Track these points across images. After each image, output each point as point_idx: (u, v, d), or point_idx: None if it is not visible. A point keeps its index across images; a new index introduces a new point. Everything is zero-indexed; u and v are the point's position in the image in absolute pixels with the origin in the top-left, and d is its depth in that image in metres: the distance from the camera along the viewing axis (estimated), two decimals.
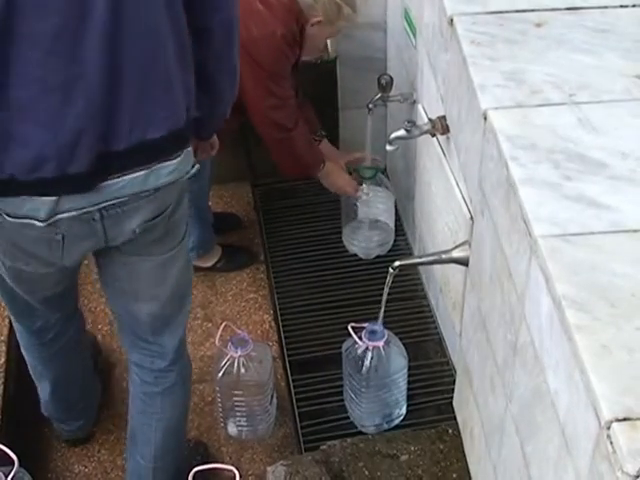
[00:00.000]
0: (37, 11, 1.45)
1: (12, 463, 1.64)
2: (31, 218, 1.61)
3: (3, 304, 2.61)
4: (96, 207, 1.65)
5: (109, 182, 1.63)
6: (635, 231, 1.33)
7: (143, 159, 1.65)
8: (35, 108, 1.53)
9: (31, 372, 2.33)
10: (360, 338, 2.22)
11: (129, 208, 1.69)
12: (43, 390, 2.35)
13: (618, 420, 1.07)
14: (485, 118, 1.60)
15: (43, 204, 1.60)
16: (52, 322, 2.15)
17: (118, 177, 1.63)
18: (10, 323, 2.59)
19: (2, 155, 1.55)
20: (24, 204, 1.60)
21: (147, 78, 1.59)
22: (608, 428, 1.07)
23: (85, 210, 1.64)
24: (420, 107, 2.41)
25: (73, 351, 2.30)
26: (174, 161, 1.69)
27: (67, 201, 1.62)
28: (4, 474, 1.65)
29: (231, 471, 1.82)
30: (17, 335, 2.24)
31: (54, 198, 1.60)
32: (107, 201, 1.65)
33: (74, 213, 1.64)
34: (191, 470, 1.76)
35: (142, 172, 1.65)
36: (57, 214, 1.62)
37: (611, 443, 1.06)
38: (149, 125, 1.62)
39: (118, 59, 1.53)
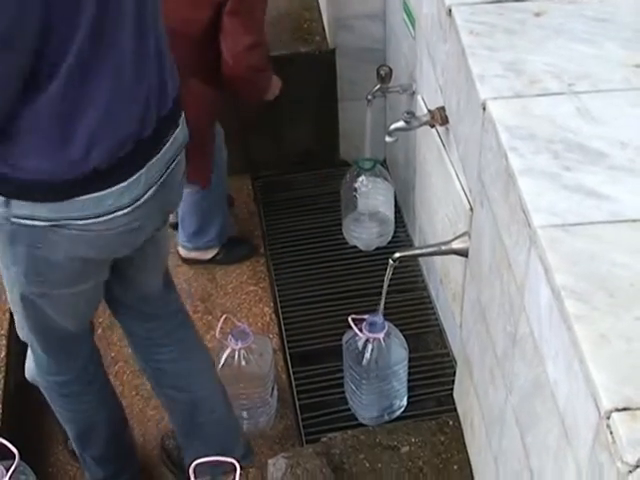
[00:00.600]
0: None
1: (13, 457, 1.63)
2: (114, 212, 1.64)
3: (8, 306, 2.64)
4: (164, 173, 1.72)
5: (167, 142, 1.71)
6: (634, 221, 1.32)
7: (178, 115, 1.76)
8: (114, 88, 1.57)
9: (79, 436, 2.19)
10: (360, 330, 2.22)
11: (177, 169, 1.78)
12: (97, 444, 2.21)
13: (618, 410, 1.06)
14: (484, 108, 1.59)
15: (128, 188, 1.64)
16: (88, 354, 2.09)
17: (171, 135, 1.72)
18: (10, 317, 2.59)
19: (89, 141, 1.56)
20: (105, 199, 1.62)
21: (166, 47, 1.71)
22: (608, 418, 1.06)
23: (158, 182, 1.71)
24: (419, 98, 2.40)
25: (108, 381, 2.26)
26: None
27: (145, 179, 1.66)
28: (5, 468, 1.64)
29: (232, 464, 1.81)
30: (59, 402, 2.11)
31: (134, 177, 1.64)
32: (170, 162, 1.73)
33: (150, 192, 1.69)
34: (191, 463, 1.75)
35: (179, 128, 1.76)
36: (138, 199, 1.66)
37: (611, 433, 1.06)
38: (174, 85, 1.73)
39: (159, 32, 1.65)
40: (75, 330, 1.96)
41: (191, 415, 2.20)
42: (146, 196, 1.68)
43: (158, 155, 1.69)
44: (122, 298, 2.05)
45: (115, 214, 1.64)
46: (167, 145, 1.71)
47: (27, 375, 2.14)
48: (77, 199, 1.58)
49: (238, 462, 1.95)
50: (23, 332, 1.97)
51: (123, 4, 1.53)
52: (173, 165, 1.76)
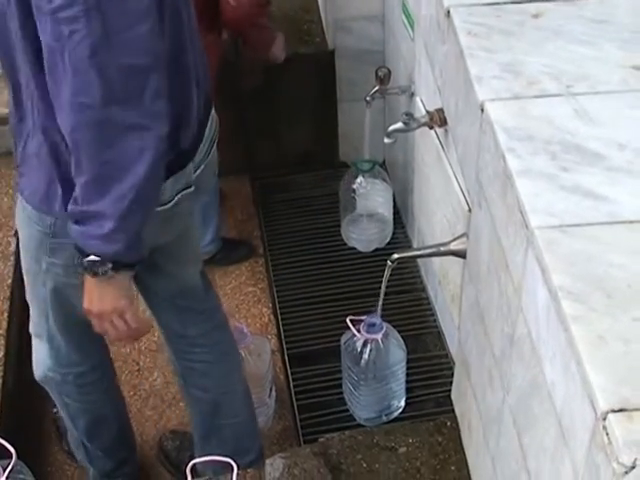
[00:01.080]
0: None
1: (10, 456, 1.63)
2: (184, 189, 1.70)
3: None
4: (208, 150, 1.78)
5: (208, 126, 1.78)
6: (632, 222, 1.32)
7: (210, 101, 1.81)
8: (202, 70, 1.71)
9: (88, 428, 2.19)
10: (359, 331, 2.22)
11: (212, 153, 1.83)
12: (106, 436, 2.24)
13: (614, 411, 1.06)
14: (482, 110, 1.59)
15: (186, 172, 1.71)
16: (104, 345, 2.12)
17: (210, 118, 1.79)
18: (9, 317, 2.60)
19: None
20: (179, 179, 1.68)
21: None
22: (604, 419, 1.07)
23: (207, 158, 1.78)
24: (418, 99, 2.41)
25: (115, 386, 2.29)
26: None
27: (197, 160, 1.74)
28: (2, 467, 1.65)
29: (229, 464, 1.82)
30: (73, 396, 2.11)
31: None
32: (211, 142, 1.80)
33: (202, 166, 1.76)
34: (188, 463, 1.75)
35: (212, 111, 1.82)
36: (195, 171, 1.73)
37: (607, 434, 1.06)
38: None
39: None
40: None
41: (212, 416, 2.20)
42: (194, 176, 1.73)
43: (205, 134, 1.76)
44: (155, 289, 2.04)
45: (185, 191, 1.70)
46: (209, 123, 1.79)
47: (37, 372, 2.11)
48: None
49: (248, 465, 1.97)
50: (40, 327, 1.96)
51: None
52: (214, 145, 1.82)
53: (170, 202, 1.67)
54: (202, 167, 1.76)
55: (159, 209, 1.61)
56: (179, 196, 1.68)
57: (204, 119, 1.76)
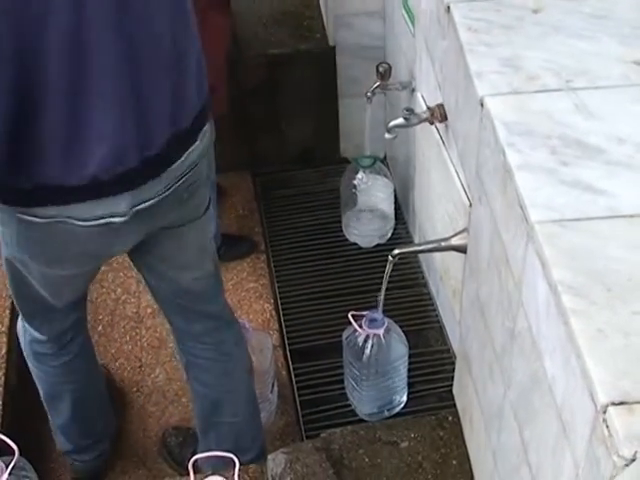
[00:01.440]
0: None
1: (13, 453, 1.64)
2: (109, 217, 1.64)
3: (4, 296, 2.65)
4: (172, 187, 1.71)
5: (180, 160, 1.70)
6: (631, 216, 1.32)
7: (198, 129, 1.74)
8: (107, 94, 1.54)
9: (45, 398, 2.26)
10: (360, 326, 2.22)
11: (188, 182, 1.76)
12: (61, 413, 2.28)
13: (614, 404, 1.07)
14: (482, 105, 1.59)
15: (124, 199, 1.63)
16: (68, 325, 2.12)
17: (185, 153, 1.71)
18: (11, 314, 2.60)
19: (82, 151, 1.55)
20: (101, 203, 1.62)
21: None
22: (604, 412, 1.07)
23: (161, 195, 1.69)
24: (419, 95, 2.41)
25: (89, 358, 2.28)
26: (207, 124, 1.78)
27: (145, 190, 1.65)
28: (5, 464, 1.65)
29: (231, 459, 1.82)
30: (30, 358, 2.18)
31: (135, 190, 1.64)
32: (180, 178, 1.72)
33: (152, 202, 1.68)
34: (190, 458, 1.76)
35: (197, 142, 1.74)
36: (135, 206, 1.65)
37: (607, 427, 1.06)
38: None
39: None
40: (54, 303, 1.98)
41: (211, 412, 2.21)
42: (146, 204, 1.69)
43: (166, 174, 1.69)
44: (158, 289, 2.06)
45: (111, 219, 1.65)
46: (185, 163, 1.72)
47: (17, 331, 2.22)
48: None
49: (246, 463, 1.97)
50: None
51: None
52: (186, 185, 1.76)
53: (91, 221, 1.64)
54: (153, 202, 1.70)
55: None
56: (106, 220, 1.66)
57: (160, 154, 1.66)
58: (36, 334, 2.12)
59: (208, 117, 1.78)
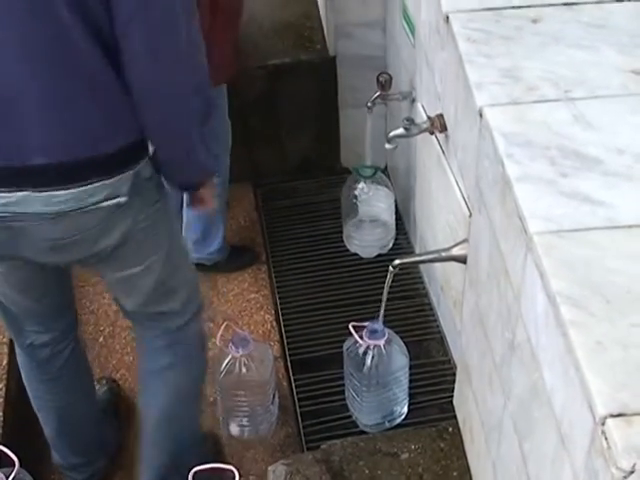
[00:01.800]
0: None
1: (13, 464, 1.63)
2: None
3: None
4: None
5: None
6: (630, 227, 1.32)
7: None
8: None
9: (34, 405, 2.26)
10: (361, 337, 2.22)
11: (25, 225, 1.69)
12: (48, 424, 2.27)
13: (613, 416, 1.06)
14: (481, 115, 1.59)
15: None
16: (45, 340, 2.10)
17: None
18: None
19: None
20: None
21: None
22: (603, 424, 1.06)
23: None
24: (419, 105, 2.41)
25: (73, 376, 2.24)
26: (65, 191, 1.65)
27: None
28: (5, 475, 1.65)
29: (232, 471, 1.82)
30: (17, 359, 2.20)
31: None
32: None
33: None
34: (191, 470, 1.75)
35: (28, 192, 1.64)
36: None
37: (606, 439, 1.06)
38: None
39: None
40: (12, 309, 1.99)
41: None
42: None
43: None
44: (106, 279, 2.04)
45: None
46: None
47: None
48: None
49: None
50: None
51: None
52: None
53: None
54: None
55: None
56: None
57: None
58: (16, 344, 2.14)
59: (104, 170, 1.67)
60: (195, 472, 1.77)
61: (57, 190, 1.63)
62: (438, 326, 2.66)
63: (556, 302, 1.21)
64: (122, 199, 1.70)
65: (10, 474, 1.64)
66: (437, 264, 2.43)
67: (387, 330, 2.23)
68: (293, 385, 2.56)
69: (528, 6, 1.85)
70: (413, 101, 2.53)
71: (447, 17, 1.84)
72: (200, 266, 2.96)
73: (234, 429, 2.45)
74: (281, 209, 3.20)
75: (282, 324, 2.76)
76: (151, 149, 1.75)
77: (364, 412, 2.35)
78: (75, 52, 1.54)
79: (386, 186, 2.85)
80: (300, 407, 2.49)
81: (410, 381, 2.36)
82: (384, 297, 2.13)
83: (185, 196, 2.79)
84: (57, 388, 2.20)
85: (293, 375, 2.59)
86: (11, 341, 2.56)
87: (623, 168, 1.43)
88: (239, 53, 2.61)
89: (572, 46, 1.73)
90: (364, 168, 2.79)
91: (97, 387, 2.49)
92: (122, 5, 1.51)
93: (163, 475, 2.19)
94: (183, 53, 1.61)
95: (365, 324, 2.22)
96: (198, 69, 1.72)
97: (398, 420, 2.37)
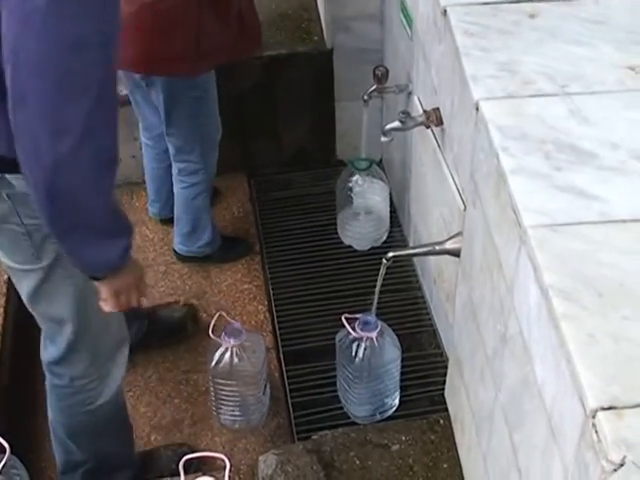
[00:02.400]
0: None
1: (4, 451, 1.64)
2: None
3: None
4: None
5: None
6: (624, 221, 1.33)
7: None
8: None
9: None
10: (354, 329, 2.22)
11: None
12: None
13: (603, 409, 1.07)
14: (477, 109, 1.60)
15: None
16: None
17: None
18: (5, 313, 2.61)
19: None
20: None
21: None
22: (593, 417, 1.07)
23: None
24: (416, 98, 2.41)
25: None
26: None
27: None
28: None
29: (222, 460, 1.82)
30: None
31: None
32: None
33: None
34: (181, 459, 1.76)
35: None
36: None
37: (596, 432, 1.06)
38: None
39: None
40: None
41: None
42: None
43: None
44: None
45: None
46: None
47: None
48: None
49: None
50: None
51: None
52: None
53: None
54: None
55: None
56: None
57: None
58: None
59: None
60: (185, 460, 1.77)
61: None
62: (430, 319, 2.67)
63: (549, 295, 1.22)
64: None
65: (1, 461, 1.63)
66: (430, 257, 2.44)
67: (380, 322, 2.23)
68: (285, 376, 2.56)
69: (526, 1, 1.85)
70: (409, 94, 2.53)
71: (445, 10, 1.84)
72: (192, 258, 2.97)
73: (226, 419, 2.45)
74: (275, 200, 3.20)
75: (275, 315, 2.76)
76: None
77: (355, 404, 2.35)
78: None
79: (381, 179, 2.84)
80: (292, 398, 2.50)
81: (402, 373, 2.36)
82: (377, 289, 2.14)
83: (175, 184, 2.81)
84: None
85: (285, 366, 2.59)
86: (3, 328, 2.56)
87: (618, 163, 1.43)
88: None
89: (569, 41, 1.73)
90: (359, 161, 2.79)
91: None
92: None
93: None
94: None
95: (358, 316, 2.22)
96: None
97: (389, 412, 2.37)
